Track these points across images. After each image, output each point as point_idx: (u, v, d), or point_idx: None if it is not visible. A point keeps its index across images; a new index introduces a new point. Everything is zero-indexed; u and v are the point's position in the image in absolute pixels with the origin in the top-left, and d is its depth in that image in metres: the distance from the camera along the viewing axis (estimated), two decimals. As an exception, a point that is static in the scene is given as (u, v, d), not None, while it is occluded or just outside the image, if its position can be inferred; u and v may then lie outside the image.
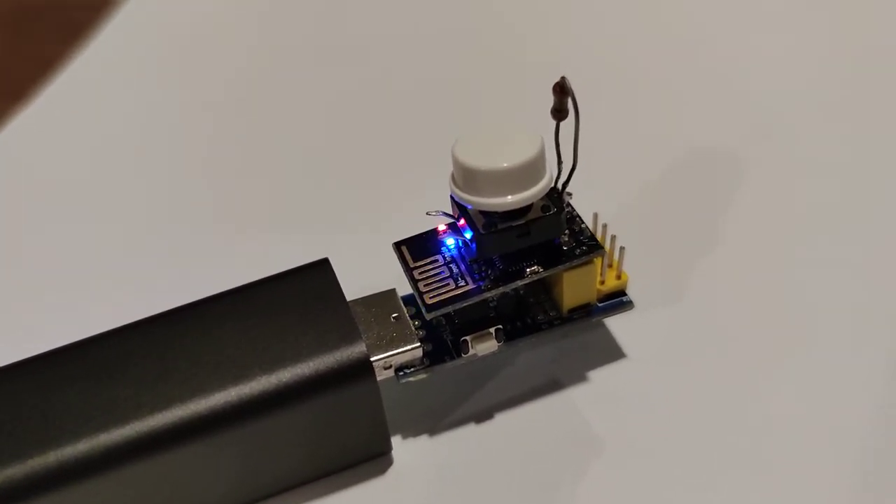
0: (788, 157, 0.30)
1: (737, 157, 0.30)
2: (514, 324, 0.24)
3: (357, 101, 0.35)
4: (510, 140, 0.22)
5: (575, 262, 0.23)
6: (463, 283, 0.23)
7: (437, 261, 0.23)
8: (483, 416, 0.24)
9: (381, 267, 0.25)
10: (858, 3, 0.37)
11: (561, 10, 0.38)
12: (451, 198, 0.23)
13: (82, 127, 0.36)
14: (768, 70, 0.34)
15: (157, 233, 0.31)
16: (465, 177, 0.22)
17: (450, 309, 0.22)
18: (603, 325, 0.26)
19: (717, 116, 0.32)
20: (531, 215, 0.22)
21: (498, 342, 0.23)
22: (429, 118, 0.34)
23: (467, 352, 0.23)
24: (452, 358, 0.23)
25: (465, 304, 0.23)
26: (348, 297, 0.23)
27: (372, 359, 0.22)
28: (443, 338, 0.23)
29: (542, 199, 0.22)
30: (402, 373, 0.23)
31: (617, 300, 0.24)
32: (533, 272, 0.23)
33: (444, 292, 0.23)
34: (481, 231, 0.22)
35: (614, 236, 0.24)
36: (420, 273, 0.23)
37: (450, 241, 0.24)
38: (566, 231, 0.23)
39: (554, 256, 0.23)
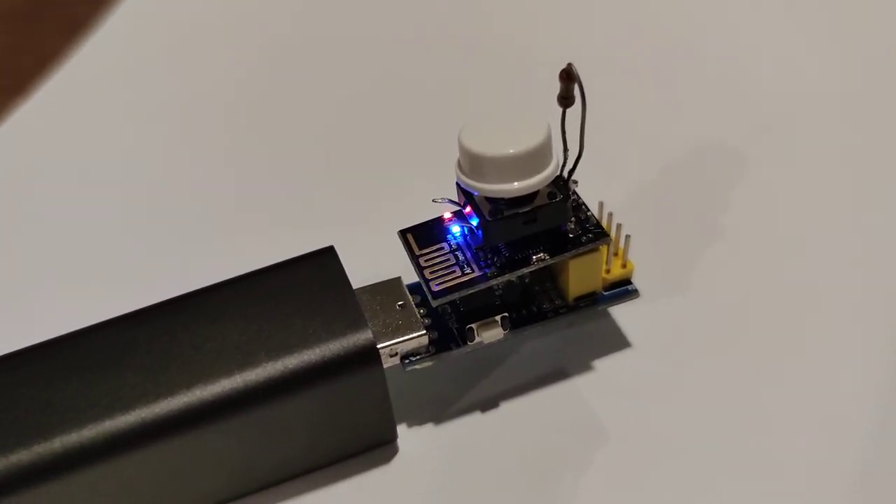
0: (794, 149, 0.30)
1: (743, 147, 0.30)
2: (520, 312, 0.24)
3: (363, 90, 0.35)
4: (516, 126, 0.22)
5: (581, 250, 0.23)
6: (469, 271, 0.23)
7: (442, 248, 0.23)
8: (488, 404, 0.24)
9: (386, 255, 0.25)
10: (859, 0, 0.37)
11: (565, 3, 0.38)
12: (457, 185, 0.23)
13: (83, 121, 0.36)
14: (774, 59, 0.34)
15: (161, 224, 0.31)
16: (472, 163, 0.22)
17: (456, 296, 0.22)
18: (608, 314, 0.26)
19: (723, 107, 0.32)
20: (537, 202, 0.22)
21: (504, 330, 0.23)
22: (435, 106, 0.34)
23: (473, 339, 0.23)
24: (458, 346, 0.23)
25: (470, 292, 0.23)
26: (354, 285, 0.23)
27: (378, 346, 0.22)
28: (448, 325, 0.23)
29: (548, 186, 0.22)
30: (407, 360, 0.23)
31: (622, 289, 0.24)
32: (539, 259, 0.23)
33: (450, 280, 0.23)
34: (487, 218, 0.22)
35: (620, 225, 0.24)
36: (426, 261, 0.23)
37: (455, 229, 0.24)
38: (572, 219, 0.23)
39: (560, 244, 0.23)
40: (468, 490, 0.23)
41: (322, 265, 0.23)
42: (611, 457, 0.23)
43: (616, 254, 0.24)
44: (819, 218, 0.28)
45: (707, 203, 0.29)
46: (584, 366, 0.25)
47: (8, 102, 0.37)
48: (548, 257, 0.23)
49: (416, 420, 0.24)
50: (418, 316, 0.23)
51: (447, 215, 0.24)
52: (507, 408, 0.24)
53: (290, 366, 0.21)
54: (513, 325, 0.23)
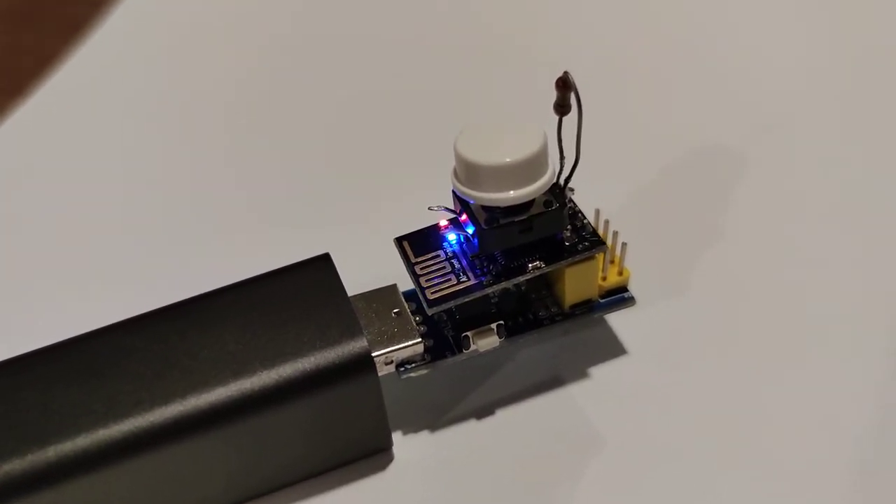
0: (790, 154, 0.30)
1: (739, 153, 0.30)
2: (516, 319, 0.24)
3: (359, 95, 0.35)
4: (512, 135, 0.22)
5: (577, 258, 0.23)
6: (465, 279, 0.23)
7: (438, 256, 0.23)
8: (484, 411, 0.24)
9: (382, 262, 0.25)
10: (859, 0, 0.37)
11: (563, 4, 0.38)
12: (453, 193, 0.23)
13: (82, 122, 0.36)
14: (770, 67, 0.34)
15: (157, 228, 0.31)
16: (468, 171, 0.22)
17: (451, 304, 0.22)
18: (604, 322, 0.26)
19: (719, 113, 0.32)
20: (533, 210, 0.22)
21: (499, 338, 0.23)
22: (431, 113, 0.34)
23: (468, 347, 0.23)
24: (454, 353, 0.23)
25: (466, 300, 0.22)
26: (349, 293, 0.23)
27: (373, 354, 0.22)
28: (444, 333, 0.23)
29: (544, 194, 0.22)
30: (403, 368, 0.23)
31: (618, 296, 0.24)
32: (535, 267, 0.23)
33: (446, 288, 0.23)
34: (483, 226, 0.22)
35: (616, 232, 0.24)
36: (422, 268, 0.23)
37: (451, 237, 0.23)
38: (568, 226, 0.23)
39: (556, 252, 0.23)
40: (463, 498, 0.23)
41: (317, 272, 0.23)
42: (607, 464, 0.23)
43: (612, 261, 0.24)
44: (817, 222, 0.28)
45: (704, 210, 0.29)
46: (580, 373, 0.25)
47: (7, 103, 0.37)
48: (544, 265, 0.23)
49: (412, 428, 0.24)
50: (414, 324, 0.23)
51: (443, 223, 0.24)
52: (503, 415, 0.24)
53: (285, 374, 0.21)
54: (509, 332, 0.23)
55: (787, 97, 0.33)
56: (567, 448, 0.23)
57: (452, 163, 0.22)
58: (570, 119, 0.22)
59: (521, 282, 0.23)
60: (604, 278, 0.24)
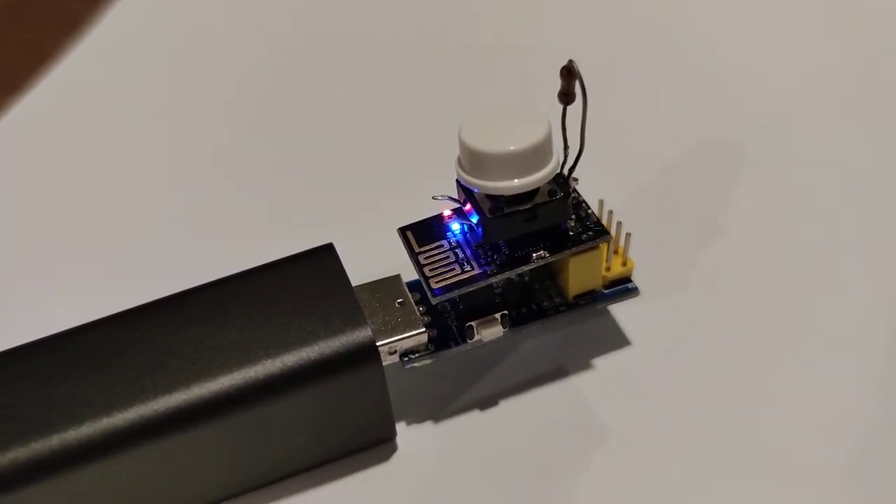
0: (794, 148, 0.30)
1: (743, 146, 0.30)
2: (520, 310, 0.24)
3: (363, 87, 0.35)
4: (517, 123, 0.22)
5: (581, 248, 0.23)
6: (469, 268, 0.23)
7: (442, 246, 0.23)
8: (488, 402, 0.24)
9: (386, 252, 0.24)
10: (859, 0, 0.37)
11: (567, 2, 0.38)
12: (457, 182, 0.23)
13: (78, 119, 0.36)
14: (772, 62, 0.34)
15: (159, 221, 0.31)
16: (472, 160, 0.22)
17: (455, 294, 0.22)
18: (608, 312, 0.26)
19: (723, 105, 0.32)
20: (538, 200, 0.22)
21: (503, 328, 0.23)
22: (435, 103, 0.34)
23: (472, 337, 0.23)
24: (458, 343, 0.23)
25: (470, 290, 0.22)
26: (353, 283, 0.23)
27: (377, 343, 0.22)
28: (448, 323, 0.23)
29: (548, 183, 0.22)
30: (407, 358, 0.23)
31: (622, 287, 0.24)
32: (539, 257, 0.23)
33: (450, 277, 0.23)
34: (487, 215, 0.22)
35: (620, 223, 0.24)
36: (425, 258, 0.23)
37: (455, 226, 0.23)
38: (572, 216, 0.23)
39: (560, 241, 0.23)
40: (467, 488, 0.22)
41: (321, 262, 0.23)
42: (610, 455, 0.23)
43: (616, 252, 0.24)
44: (819, 217, 0.28)
45: (708, 201, 0.29)
46: (583, 364, 0.25)
47: (3, 99, 0.36)
48: (548, 255, 0.23)
49: (416, 418, 0.24)
50: (418, 313, 0.23)
51: (447, 213, 0.24)
52: (507, 406, 0.24)
53: (289, 363, 0.21)
54: (512, 322, 0.23)
55: (789, 93, 0.33)
56: (570, 438, 0.23)
57: (456, 152, 0.22)
58: (574, 109, 0.22)
59: (525, 271, 0.23)
60: (608, 268, 0.24)
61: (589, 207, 0.24)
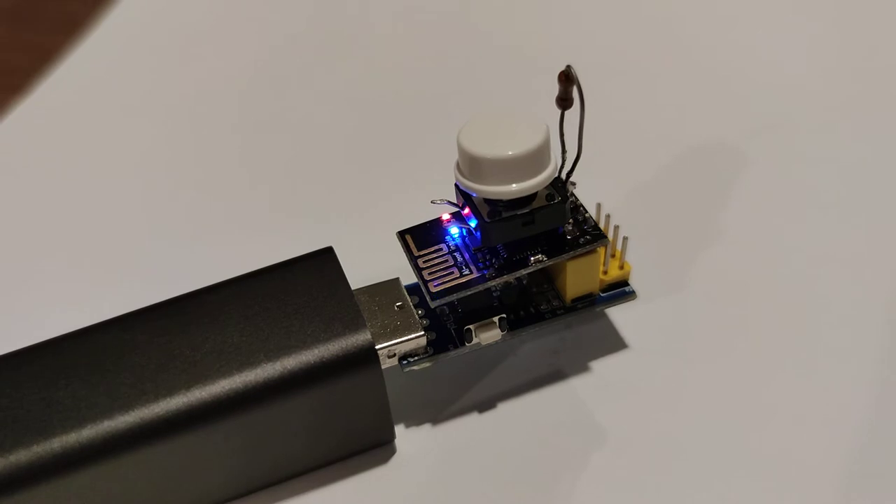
0: (791, 150, 0.30)
1: (740, 149, 0.31)
2: (518, 313, 0.24)
3: (362, 91, 0.35)
4: (515, 128, 0.22)
5: (578, 251, 0.23)
6: (467, 272, 0.23)
7: (441, 249, 0.23)
8: (486, 404, 0.24)
9: (385, 256, 0.25)
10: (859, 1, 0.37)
11: (562, 4, 0.39)
12: (456, 186, 0.23)
13: (80, 119, 0.36)
14: (771, 63, 0.34)
15: (157, 226, 0.31)
16: (470, 165, 0.22)
17: (454, 297, 0.23)
18: (605, 316, 0.26)
19: (720, 108, 0.32)
20: (535, 204, 0.22)
21: (501, 331, 0.23)
22: (434, 107, 0.34)
23: (471, 340, 0.23)
24: (456, 347, 0.23)
25: (469, 293, 0.23)
26: (353, 286, 0.23)
27: (376, 347, 0.22)
28: (446, 326, 0.24)
29: (546, 187, 0.22)
30: (405, 361, 0.23)
31: (619, 290, 0.24)
32: (537, 261, 0.23)
33: (449, 281, 0.23)
34: (486, 219, 0.22)
35: (617, 226, 0.24)
36: (424, 262, 0.23)
37: (454, 230, 0.24)
38: (570, 220, 0.23)
39: (558, 245, 0.23)
40: (466, 490, 0.23)
41: (321, 266, 0.23)
42: (609, 457, 0.23)
43: (614, 255, 0.24)
44: (817, 220, 0.28)
45: (705, 205, 0.29)
46: (581, 367, 0.25)
47: (6, 100, 0.36)
48: (546, 259, 0.23)
49: (414, 420, 0.24)
50: (417, 317, 0.23)
51: (446, 216, 0.24)
52: (505, 409, 0.24)
53: (289, 366, 0.21)
54: (511, 326, 0.23)
55: (787, 95, 0.33)
56: (568, 440, 0.23)
57: (455, 157, 0.22)
58: (572, 113, 0.22)
59: (523, 275, 0.23)
60: (605, 272, 0.24)
61: (586, 211, 0.24)
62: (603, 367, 0.25)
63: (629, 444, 0.23)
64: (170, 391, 0.21)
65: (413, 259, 0.23)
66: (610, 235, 0.24)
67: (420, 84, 0.35)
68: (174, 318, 0.22)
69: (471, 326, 0.23)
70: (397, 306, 0.23)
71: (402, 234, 0.24)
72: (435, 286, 0.23)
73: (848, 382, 0.24)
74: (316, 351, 0.22)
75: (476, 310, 0.23)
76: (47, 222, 0.31)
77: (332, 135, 0.33)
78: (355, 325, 0.22)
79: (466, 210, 0.23)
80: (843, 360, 0.24)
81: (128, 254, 0.30)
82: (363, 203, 0.30)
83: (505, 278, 0.23)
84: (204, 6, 0.41)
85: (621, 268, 0.24)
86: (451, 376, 0.25)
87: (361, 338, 0.22)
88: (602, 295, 0.24)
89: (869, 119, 0.31)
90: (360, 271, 0.24)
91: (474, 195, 0.22)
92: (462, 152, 0.22)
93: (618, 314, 0.26)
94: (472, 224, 0.23)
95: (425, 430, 0.24)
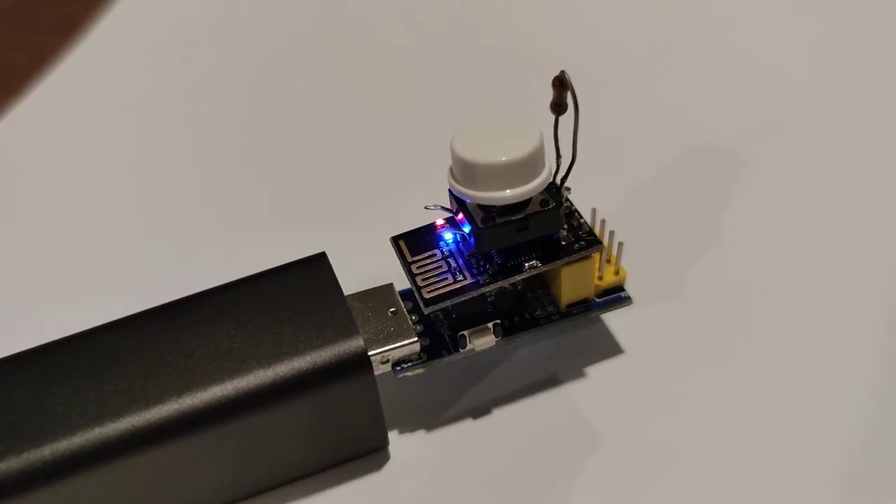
0: (788, 154, 0.30)
1: (736, 153, 0.30)
2: (512, 319, 0.24)
3: (355, 95, 0.35)
4: (509, 134, 0.22)
5: (573, 257, 0.23)
6: (461, 278, 0.23)
7: (435, 255, 0.23)
8: (480, 411, 0.24)
9: (378, 261, 0.25)
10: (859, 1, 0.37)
11: (561, 4, 0.38)
12: (450, 192, 0.23)
13: (77, 121, 0.36)
14: (768, 66, 0.34)
15: (154, 227, 0.31)
16: (464, 170, 0.22)
17: (448, 303, 0.22)
18: (601, 321, 0.26)
19: (717, 113, 0.32)
20: (530, 209, 0.22)
21: (496, 337, 0.23)
22: (427, 112, 0.34)
23: (465, 346, 0.23)
24: (450, 352, 0.23)
25: (463, 299, 0.22)
26: (346, 292, 0.23)
27: (369, 353, 0.22)
28: (440, 332, 0.23)
29: (540, 193, 0.22)
30: (399, 367, 0.23)
31: (615, 296, 0.24)
32: (531, 267, 0.23)
33: (442, 287, 0.23)
34: (480, 225, 0.22)
35: (613, 232, 0.24)
36: (418, 267, 0.23)
37: (448, 236, 0.23)
38: (565, 226, 0.23)
39: (552, 251, 0.23)
40: (460, 497, 0.22)
41: (313, 271, 0.23)
42: (604, 463, 0.23)
43: (609, 261, 0.24)
44: (815, 222, 0.28)
45: (702, 208, 0.29)
46: (576, 372, 0.25)
47: (3, 102, 0.36)
48: (540, 264, 0.23)
49: (408, 427, 0.24)
50: (410, 323, 0.23)
51: (440, 222, 0.24)
52: (500, 414, 0.24)
53: (282, 373, 0.21)
54: (505, 332, 0.23)
55: (785, 97, 0.33)
56: (563, 447, 0.23)
57: (449, 162, 0.22)
58: (567, 118, 0.22)
59: (517, 281, 0.23)
60: (600, 277, 0.24)
61: (581, 217, 0.24)
62: (599, 373, 0.25)
63: (625, 450, 0.23)
64: (161, 398, 0.21)
65: (406, 265, 0.23)
66: (605, 241, 0.24)
67: (414, 89, 0.35)
68: (166, 324, 0.22)
69: (465, 332, 0.23)
70: (391, 312, 0.23)
71: (395, 240, 0.24)
72: (428, 292, 0.23)
73: (847, 384, 0.24)
74: (308, 357, 0.21)
75: (470, 315, 0.23)
76: (45, 223, 0.31)
77: (324, 140, 0.33)
78: (348, 331, 0.22)
79: (460, 216, 0.23)
80: (842, 362, 0.24)
81: (126, 255, 0.30)
82: (356, 209, 0.30)
83: (499, 284, 0.23)
84: (203, 7, 0.41)
85: (616, 273, 0.24)
86: (446, 382, 0.25)
87: (354, 344, 0.22)
88: (597, 300, 0.24)
89: (869, 119, 0.31)
90: (353, 277, 0.23)
91: (468, 201, 0.22)
92: (455, 158, 0.22)
93: (613, 319, 0.26)
94: (466, 230, 0.23)
95: (419, 437, 0.24)
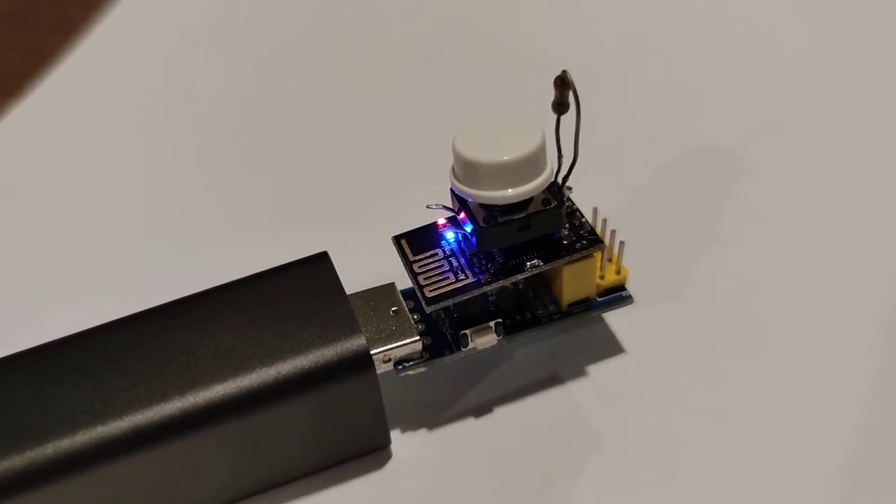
0: (788, 154, 0.30)
1: (737, 152, 0.31)
2: (514, 318, 0.24)
3: (357, 95, 0.35)
4: (511, 133, 0.22)
5: (575, 256, 0.23)
6: (463, 277, 0.23)
7: (436, 254, 0.23)
8: (482, 409, 0.24)
9: (380, 260, 0.25)
10: (860, 1, 0.37)
11: (562, 5, 0.39)
12: (452, 191, 0.23)
13: (77, 122, 0.36)
14: (771, 67, 0.34)
15: (155, 227, 0.31)
16: (466, 170, 0.22)
17: (449, 302, 0.22)
18: (602, 320, 0.26)
19: (718, 112, 0.32)
20: (531, 209, 0.22)
21: (497, 336, 0.23)
22: (429, 112, 0.34)
23: (467, 345, 0.23)
24: (452, 351, 0.23)
25: (464, 298, 0.23)
26: (348, 291, 0.23)
27: (371, 352, 0.22)
28: (442, 331, 0.23)
29: (542, 192, 0.22)
30: (401, 366, 0.23)
31: (616, 295, 0.24)
32: (533, 266, 0.23)
33: (444, 286, 0.23)
34: (482, 224, 0.22)
35: (614, 231, 0.24)
36: (420, 266, 0.23)
37: (450, 235, 0.24)
38: (566, 225, 0.23)
39: (554, 250, 0.23)
40: (462, 495, 0.23)
41: (316, 271, 0.23)
42: (605, 462, 0.23)
43: (610, 260, 0.24)
44: (816, 221, 0.28)
45: (701, 209, 0.29)
46: (578, 371, 0.25)
47: (2, 103, 0.36)
48: (542, 264, 0.23)
49: (410, 425, 0.24)
50: (412, 322, 0.23)
51: (441, 221, 0.24)
52: (501, 413, 0.24)
53: (284, 371, 0.21)
54: (507, 330, 0.23)
55: (784, 98, 0.33)
56: (565, 446, 0.23)
57: (451, 161, 0.22)
58: (569, 118, 0.22)
59: (519, 280, 0.23)
60: (601, 277, 0.24)
61: (583, 216, 0.24)
62: (600, 372, 0.25)
63: (626, 449, 0.23)
64: (164, 396, 0.21)
65: (408, 264, 0.23)
66: (606, 240, 0.24)
67: (416, 89, 0.35)
68: (168, 322, 0.22)
69: (467, 331, 0.23)
70: (393, 311, 0.23)
71: (397, 239, 0.24)
72: (430, 291, 0.23)
73: (846, 384, 0.24)
74: (311, 356, 0.22)
75: (472, 314, 0.23)
76: (46, 224, 0.31)
77: (327, 139, 0.33)
78: (350, 330, 0.22)
79: (462, 215, 0.23)
80: (841, 362, 0.24)
81: (127, 255, 0.30)
82: (358, 208, 0.30)
83: (501, 283, 0.23)
84: (202, 8, 0.41)
85: (618, 272, 0.24)
86: (447, 381, 0.25)
87: (356, 343, 0.22)
88: (599, 299, 0.24)
89: (868, 120, 0.31)
90: (355, 276, 0.23)
91: (470, 200, 0.22)
92: (457, 157, 0.22)
93: (614, 319, 0.26)
94: (468, 229, 0.23)
95: (421, 435, 0.24)
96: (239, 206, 0.31)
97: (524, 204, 0.22)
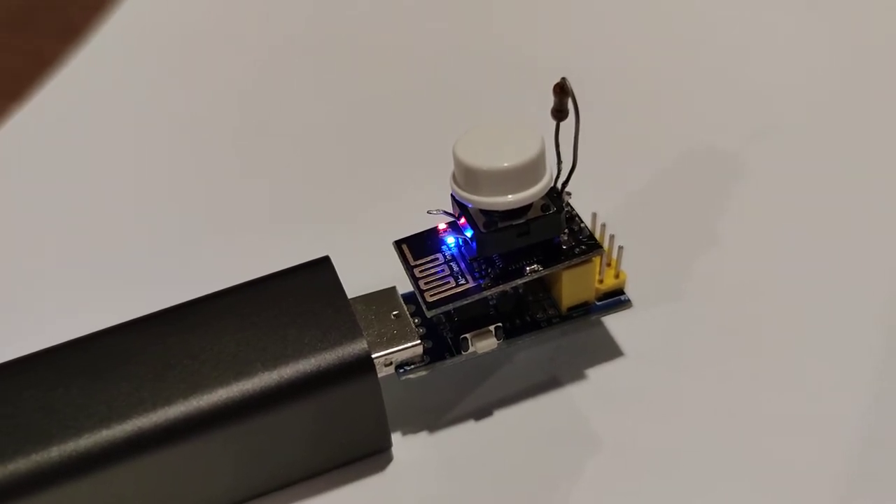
0: (787, 157, 0.31)
1: (735, 156, 0.31)
2: (514, 322, 0.24)
3: (358, 100, 0.35)
4: (511, 139, 0.22)
5: (574, 261, 0.23)
6: (463, 282, 0.23)
7: (437, 259, 0.24)
8: (482, 413, 0.24)
9: (381, 265, 0.25)
10: (860, 1, 0.37)
11: (562, 9, 0.39)
12: (452, 196, 0.23)
13: (80, 125, 0.36)
14: (769, 70, 0.34)
15: (157, 231, 0.31)
16: (466, 176, 0.22)
17: (450, 307, 0.23)
18: (601, 324, 0.26)
19: (715, 116, 0.32)
20: (531, 214, 0.23)
21: (497, 340, 0.23)
22: (430, 117, 0.34)
23: (467, 349, 0.23)
24: (452, 355, 0.23)
25: (465, 303, 0.23)
26: (349, 295, 0.23)
27: (373, 355, 0.22)
28: (443, 335, 0.24)
29: (542, 198, 0.23)
30: (402, 370, 0.23)
31: (615, 299, 0.24)
32: (532, 271, 0.23)
33: (445, 290, 0.23)
34: (482, 230, 0.22)
35: (613, 235, 0.24)
36: (420, 271, 0.23)
37: (450, 240, 0.24)
38: (566, 230, 0.23)
39: (553, 255, 0.23)
40: (462, 498, 0.23)
41: (317, 275, 0.23)
42: (604, 466, 0.23)
43: (609, 264, 0.24)
44: (813, 226, 0.28)
45: (700, 214, 0.29)
46: (577, 375, 0.25)
47: (5, 106, 0.37)
48: (541, 268, 0.23)
49: (411, 429, 0.24)
50: (413, 325, 0.23)
51: (442, 226, 0.24)
52: (501, 416, 0.24)
53: (286, 375, 0.22)
54: (506, 334, 0.24)
55: (784, 101, 0.33)
56: (564, 449, 0.23)
57: (451, 167, 0.23)
58: (568, 124, 0.22)
59: (518, 285, 0.23)
60: (600, 281, 0.24)
61: (582, 221, 0.24)
62: (599, 376, 0.25)
63: (626, 452, 0.23)
64: (167, 400, 0.21)
65: (409, 269, 0.23)
66: (605, 244, 0.24)
67: (417, 94, 0.35)
68: (172, 327, 0.22)
69: (467, 335, 0.23)
70: (394, 315, 0.23)
71: (398, 244, 0.24)
72: (431, 296, 0.23)
73: (846, 385, 0.24)
74: (312, 360, 0.22)
75: (472, 318, 0.23)
76: (49, 228, 0.31)
77: (328, 144, 0.33)
78: (352, 333, 0.22)
79: (462, 220, 0.23)
80: (841, 364, 0.24)
81: (127, 259, 0.30)
82: (360, 213, 0.30)
83: (501, 288, 0.23)
84: (203, 11, 0.41)
85: (617, 276, 0.24)
86: (448, 384, 0.25)
87: (358, 346, 0.22)
88: (598, 303, 0.24)
89: (869, 120, 0.31)
90: (356, 280, 0.24)
91: (470, 206, 0.22)
92: (458, 163, 0.22)
93: (613, 323, 0.26)
94: (468, 234, 0.23)
95: (422, 438, 0.24)
96: (240, 207, 0.31)
97: (524, 209, 0.22)
